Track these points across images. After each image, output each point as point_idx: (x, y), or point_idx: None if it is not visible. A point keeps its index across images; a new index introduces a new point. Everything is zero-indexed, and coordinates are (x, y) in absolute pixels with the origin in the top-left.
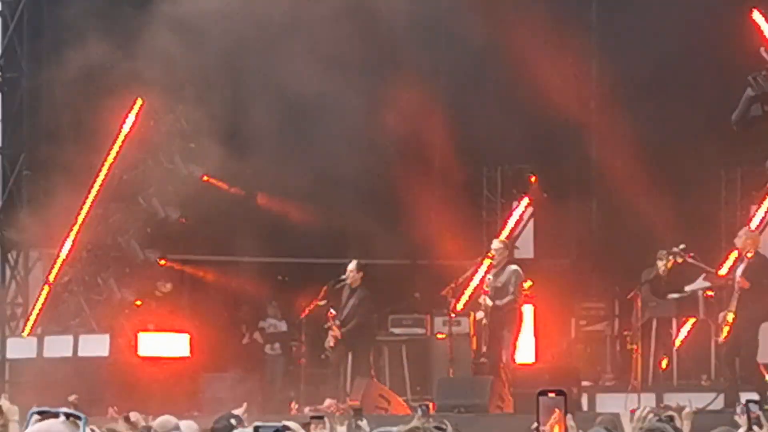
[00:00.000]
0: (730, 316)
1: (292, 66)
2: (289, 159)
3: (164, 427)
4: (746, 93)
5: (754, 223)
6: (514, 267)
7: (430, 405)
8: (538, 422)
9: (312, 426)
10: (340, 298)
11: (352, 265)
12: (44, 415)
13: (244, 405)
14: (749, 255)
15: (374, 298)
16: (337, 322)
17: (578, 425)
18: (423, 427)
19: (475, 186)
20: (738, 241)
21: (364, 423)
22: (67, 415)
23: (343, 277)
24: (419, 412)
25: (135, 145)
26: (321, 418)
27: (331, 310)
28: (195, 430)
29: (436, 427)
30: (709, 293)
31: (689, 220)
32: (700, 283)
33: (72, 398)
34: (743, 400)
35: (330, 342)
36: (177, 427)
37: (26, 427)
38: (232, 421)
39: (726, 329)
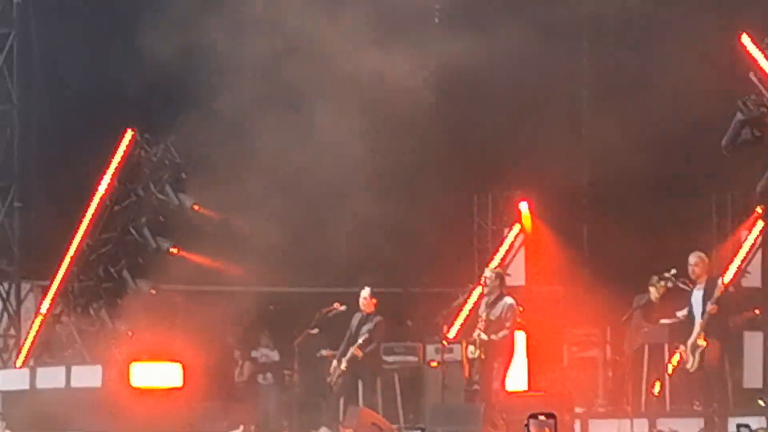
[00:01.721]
0: (702, 342)
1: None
2: (282, 188)
3: None
4: (736, 117)
5: (745, 247)
6: (510, 301)
7: None
8: None
9: None
10: (332, 327)
11: (365, 293)
12: None
13: (241, 427)
14: (702, 280)
15: (388, 325)
16: (357, 344)
17: None
18: None
19: (465, 213)
20: (696, 269)
21: None
22: None
23: (336, 305)
24: None
25: (126, 175)
26: None
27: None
28: None
29: None
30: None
31: (681, 245)
32: None
33: None
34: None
35: (343, 365)
36: None
37: None
38: None
39: (698, 356)
